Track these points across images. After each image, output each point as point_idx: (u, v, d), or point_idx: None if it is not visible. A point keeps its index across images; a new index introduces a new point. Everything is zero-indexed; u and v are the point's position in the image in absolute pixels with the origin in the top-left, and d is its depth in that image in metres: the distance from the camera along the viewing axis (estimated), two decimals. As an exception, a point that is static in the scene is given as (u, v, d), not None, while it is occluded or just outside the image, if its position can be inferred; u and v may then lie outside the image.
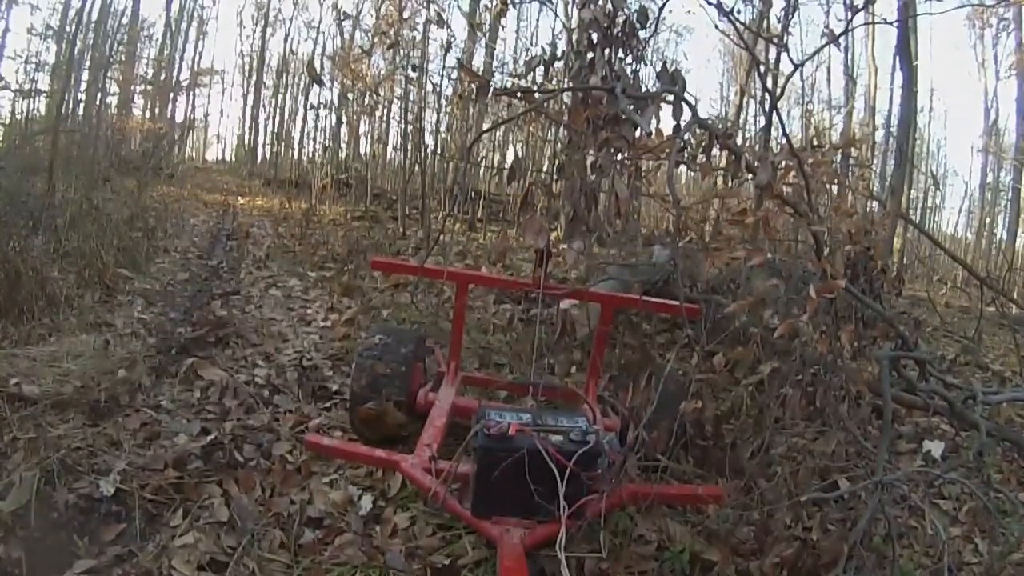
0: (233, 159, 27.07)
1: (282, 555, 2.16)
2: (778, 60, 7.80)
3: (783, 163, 2.42)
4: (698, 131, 2.48)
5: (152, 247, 7.21)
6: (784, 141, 3.00)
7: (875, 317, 2.64)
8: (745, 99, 12.93)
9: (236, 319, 4.44)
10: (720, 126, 2.86)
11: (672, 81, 2.49)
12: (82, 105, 16.52)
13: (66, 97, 13.83)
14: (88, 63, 16.61)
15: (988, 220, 18.67)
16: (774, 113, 2.86)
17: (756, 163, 2.30)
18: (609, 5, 2.55)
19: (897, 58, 7.60)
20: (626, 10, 2.59)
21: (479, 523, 2.03)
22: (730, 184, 2.59)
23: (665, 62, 3.41)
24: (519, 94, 2.82)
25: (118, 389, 3.05)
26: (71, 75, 14.69)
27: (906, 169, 6.61)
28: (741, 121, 13.25)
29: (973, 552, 2.64)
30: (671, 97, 2.43)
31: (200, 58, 26.32)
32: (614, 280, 4.34)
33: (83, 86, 16.53)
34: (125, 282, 5.40)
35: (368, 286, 5.75)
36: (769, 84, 6.34)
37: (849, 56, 16.23)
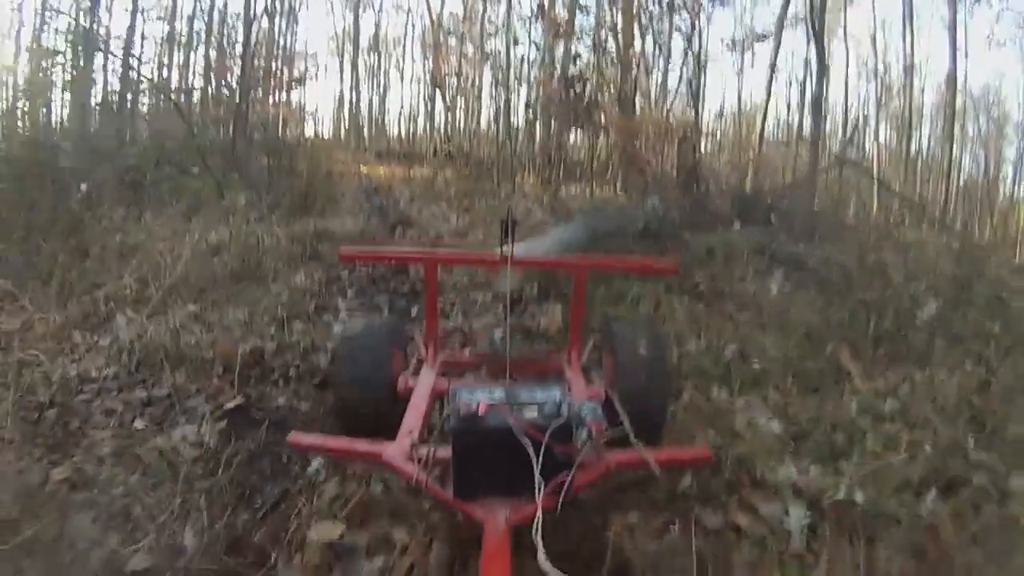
0: (331, 135, 28.83)
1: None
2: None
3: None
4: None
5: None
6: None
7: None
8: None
9: (411, 218, 8.13)
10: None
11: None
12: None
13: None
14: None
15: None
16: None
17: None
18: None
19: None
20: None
21: (463, 506, 1.96)
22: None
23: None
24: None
25: (375, 233, 6.74)
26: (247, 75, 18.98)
27: (821, 119, 9.20)
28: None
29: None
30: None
31: (295, 40, 28.25)
32: (581, 225, 6.32)
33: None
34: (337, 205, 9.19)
35: (479, 207, 9.36)
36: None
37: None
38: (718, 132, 15.44)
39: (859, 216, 8.50)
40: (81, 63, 14.80)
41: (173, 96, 13.72)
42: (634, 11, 10.62)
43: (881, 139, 17.06)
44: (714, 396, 3.21)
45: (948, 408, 3.19)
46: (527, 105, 14.97)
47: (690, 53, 10.62)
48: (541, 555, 1.51)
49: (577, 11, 12.48)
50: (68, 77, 15.18)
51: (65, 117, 14.74)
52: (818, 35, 7.68)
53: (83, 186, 6.87)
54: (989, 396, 3.33)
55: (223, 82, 20.14)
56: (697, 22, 10.86)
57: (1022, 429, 2.97)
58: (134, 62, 15.45)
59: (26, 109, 15.00)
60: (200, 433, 2.71)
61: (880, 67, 17.35)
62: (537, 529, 1.57)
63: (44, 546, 2.10)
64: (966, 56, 13.96)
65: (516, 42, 13.60)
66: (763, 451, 2.67)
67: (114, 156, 9.72)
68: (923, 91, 16.59)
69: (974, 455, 2.76)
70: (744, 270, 5.37)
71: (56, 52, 15.70)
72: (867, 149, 15.87)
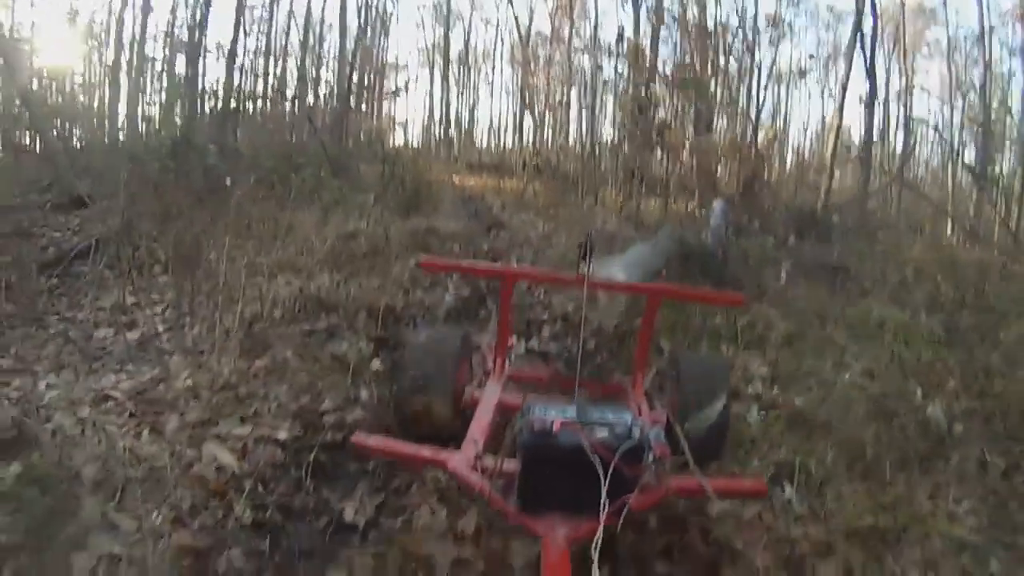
0: (420, 145, 27.65)
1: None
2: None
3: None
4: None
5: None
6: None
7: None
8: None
9: (504, 222, 9.41)
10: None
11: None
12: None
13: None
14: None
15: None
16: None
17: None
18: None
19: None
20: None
21: (524, 519, 1.99)
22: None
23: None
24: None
25: (473, 232, 8.03)
26: (349, 89, 20.96)
27: (871, 143, 9.85)
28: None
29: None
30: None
31: (386, 54, 27.34)
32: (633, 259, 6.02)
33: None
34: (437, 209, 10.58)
35: (563, 215, 10.55)
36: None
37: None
38: (804, 149, 16.19)
39: (915, 233, 9.16)
40: (187, 72, 17.08)
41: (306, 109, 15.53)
42: (708, 44, 11.65)
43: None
44: (723, 351, 4.27)
45: (913, 372, 4.15)
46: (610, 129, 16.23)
47: (758, 79, 11.56)
48: (596, 573, 1.59)
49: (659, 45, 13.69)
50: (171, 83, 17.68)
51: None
52: (870, 68, 8.44)
53: (228, 180, 8.50)
54: (949, 364, 4.24)
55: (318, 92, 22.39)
56: (766, 53, 11.76)
57: (957, 382, 3.91)
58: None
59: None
60: (359, 347, 3.99)
61: (962, 85, 17.67)
62: (596, 546, 1.64)
63: (256, 399, 3.26)
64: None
65: (600, 68, 14.87)
66: (747, 382, 3.75)
67: (240, 157, 11.50)
68: (1007, 111, 16.82)
69: (917, 401, 3.73)
70: (779, 272, 6.36)
71: (153, 59, 18.21)
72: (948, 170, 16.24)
